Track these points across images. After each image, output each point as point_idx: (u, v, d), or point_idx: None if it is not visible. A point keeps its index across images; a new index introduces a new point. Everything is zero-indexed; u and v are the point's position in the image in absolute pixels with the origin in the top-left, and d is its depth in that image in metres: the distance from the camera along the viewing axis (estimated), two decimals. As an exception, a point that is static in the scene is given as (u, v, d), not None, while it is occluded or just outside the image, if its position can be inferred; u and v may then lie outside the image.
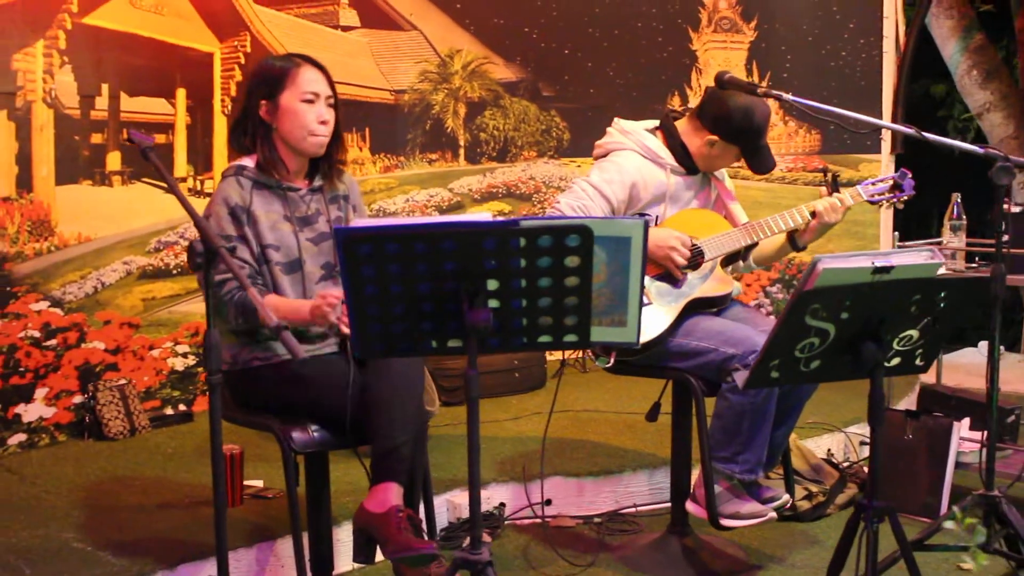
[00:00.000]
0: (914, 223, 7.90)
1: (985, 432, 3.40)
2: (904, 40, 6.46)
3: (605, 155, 3.50)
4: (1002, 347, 7.13)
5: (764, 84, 6.18)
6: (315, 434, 2.97)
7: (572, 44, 6.20)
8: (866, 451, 4.32)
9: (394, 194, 5.73)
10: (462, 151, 5.96)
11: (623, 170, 3.42)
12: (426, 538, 2.92)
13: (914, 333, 2.53)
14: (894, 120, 6.24)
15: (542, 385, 5.41)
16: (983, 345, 7.49)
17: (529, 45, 6.12)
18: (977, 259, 4.31)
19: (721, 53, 6.38)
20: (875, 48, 6.49)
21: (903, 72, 6.37)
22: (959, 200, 4.26)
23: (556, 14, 6.15)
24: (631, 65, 6.24)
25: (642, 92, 6.20)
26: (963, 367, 6.30)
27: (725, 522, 3.28)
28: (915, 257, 2.47)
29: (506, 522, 3.88)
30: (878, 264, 2.41)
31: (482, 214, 2.48)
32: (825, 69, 6.48)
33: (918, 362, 2.62)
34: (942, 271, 4.01)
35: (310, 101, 3.05)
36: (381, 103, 5.72)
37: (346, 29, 5.61)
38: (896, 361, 2.58)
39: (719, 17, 6.38)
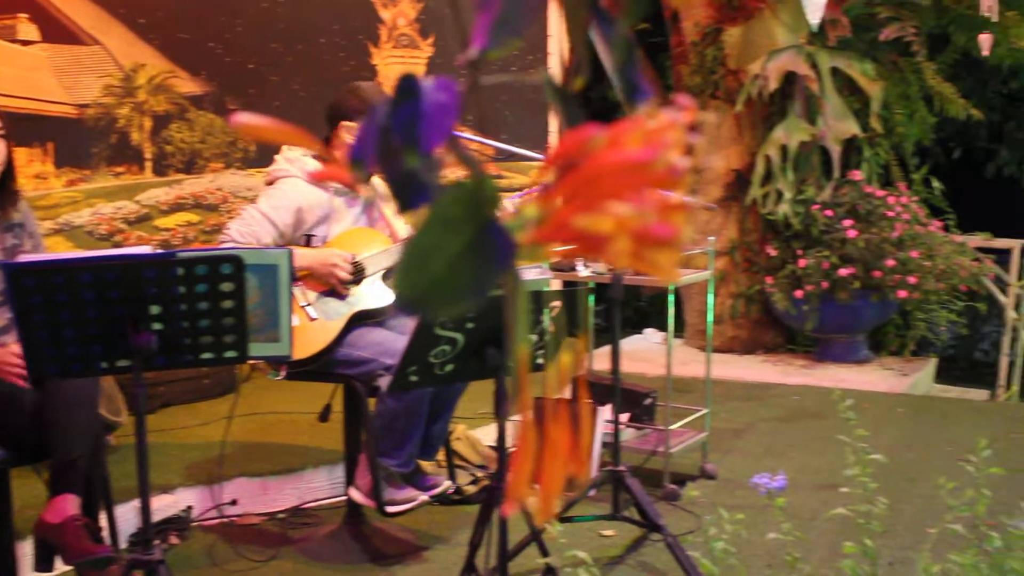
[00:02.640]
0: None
1: (620, 415, 3.94)
2: (569, 57, 7.03)
3: (272, 182, 3.78)
4: (663, 333, 7.89)
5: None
6: (-6, 453, 3.11)
7: (257, 59, 6.39)
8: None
9: (80, 208, 5.77)
10: (149, 164, 6.06)
11: (288, 196, 3.69)
12: (108, 543, 3.12)
13: (533, 336, 2.96)
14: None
15: (233, 390, 5.60)
16: (648, 332, 8.27)
17: (214, 60, 6.27)
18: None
19: (401, 68, 6.75)
20: (542, 63, 7.04)
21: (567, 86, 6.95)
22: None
23: (241, 30, 6.32)
24: (315, 79, 6.49)
25: (326, 104, 6.45)
26: (630, 353, 6.93)
27: (387, 508, 3.63)
28: (528, 274, 2.90)
29: (193, 524, 4.09)
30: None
31: (143, 247, 2.73)
32: (498, 83, 6.96)
33: (539, 361, 3.06)
34: (588, 273, 4.54)
35: None
36: (64, 117, 5.74)
37: (26, 43, 5.59)
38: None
39: (398, 33, 6.75)
